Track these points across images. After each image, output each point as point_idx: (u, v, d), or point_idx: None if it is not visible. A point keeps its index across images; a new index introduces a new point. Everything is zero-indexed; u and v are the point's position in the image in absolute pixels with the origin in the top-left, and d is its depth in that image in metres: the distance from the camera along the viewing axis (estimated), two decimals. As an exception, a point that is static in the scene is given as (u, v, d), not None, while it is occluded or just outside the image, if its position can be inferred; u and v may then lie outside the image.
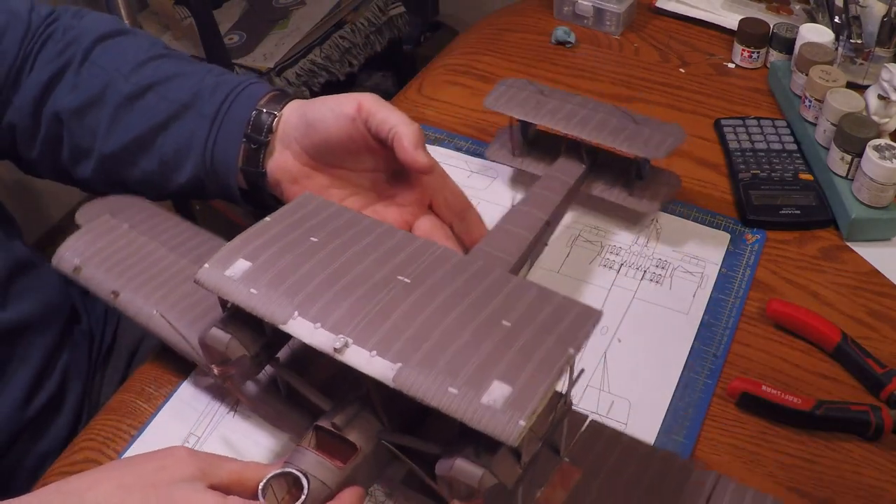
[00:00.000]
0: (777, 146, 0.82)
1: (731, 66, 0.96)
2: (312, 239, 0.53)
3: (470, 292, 0.49)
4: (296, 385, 0.53)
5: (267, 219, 0.54)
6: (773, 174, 0.79)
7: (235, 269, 0.50)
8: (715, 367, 0.63)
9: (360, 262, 0.51)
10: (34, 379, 0.71)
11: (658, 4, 1.04)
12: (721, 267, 0.71)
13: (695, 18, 1.02)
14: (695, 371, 0.63)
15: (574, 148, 0.73)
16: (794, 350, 0.65)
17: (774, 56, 0.93)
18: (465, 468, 0.44)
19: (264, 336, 0.52)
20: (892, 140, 0.73)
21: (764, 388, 0.60)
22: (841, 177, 0.75)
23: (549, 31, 1.00)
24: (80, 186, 0.76)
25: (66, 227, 0.65)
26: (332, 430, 0.48)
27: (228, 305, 0.52)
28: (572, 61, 0.97)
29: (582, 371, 0.50)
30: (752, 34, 0.93)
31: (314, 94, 1.71)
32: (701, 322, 0.67)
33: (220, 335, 0.51)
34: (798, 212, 0.75)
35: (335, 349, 0.46)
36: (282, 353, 0.55)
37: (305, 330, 0.47)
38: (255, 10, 1.79)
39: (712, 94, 0.92)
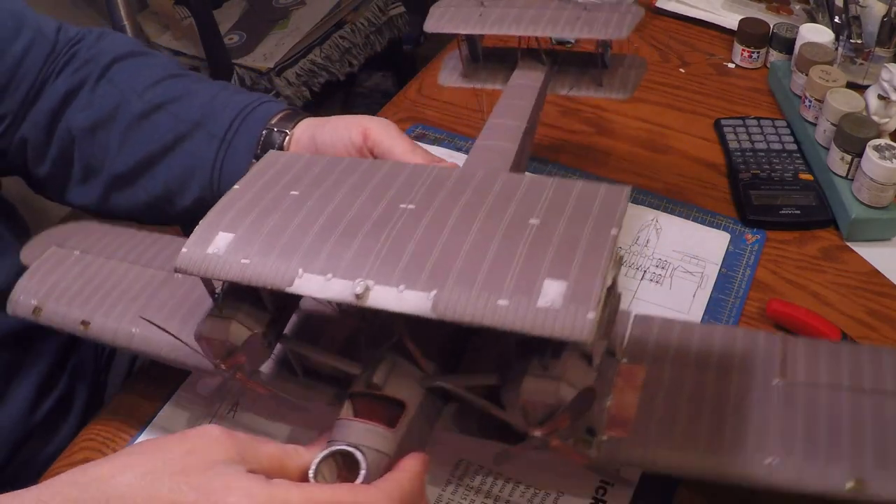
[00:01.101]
0: (777, 146, 0.82)
1: (731, 66, 0.96)
2: (293, 193, 0.48)
3: (483, 201, 0.44)
4: (314, 357, 0.49)
5: (235, 187, 0.49)
6: (773, 174, 0.79)
7: (218, 245, 0.44)
8: (715, 367, 0.63)
9: (354, 203, 0.46)
10: (43, 382, 0.70)
11: (658, 4, 1.04)
12: (721, 267, 0.71)
13: (695, 18, 1.02)
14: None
15: (530, 54, 0.69)
16: (794, 350, 0.65)
17: (774, 56, 0.93)
18: (537, 386, 0.39)
19: (267, 312, 0.47)
20: (892, 140, 0.73)
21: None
22: (841, 177, 0.75)
23: (549, 31, 1.00)
24: (87, 209, 0.75)
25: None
26: (371, 392, 0.43)
27: (219, 289, 0.47)
28: (572, 61, 0.97)
29: (622, 258, 0.47)
30: (752, 34, 0.93)
31: (314, 94, 1.71)
32: (701, 322, 0.67)
33: (220, 323, 0.46)
34: (798, 212, 0.75)
35: (356, 296, 0.40)
36: (288, 329, 0.51)
37: (317, 285, 0.41)
38: (255, 10, 1.79)
39: (712, 94, 0.92)
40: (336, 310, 0.54)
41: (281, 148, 0.65)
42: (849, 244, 0.74)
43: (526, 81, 0.67)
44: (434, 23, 0.69)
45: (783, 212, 0.75)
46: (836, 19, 0.89)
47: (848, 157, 0.74)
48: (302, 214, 0.46)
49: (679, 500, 0.54)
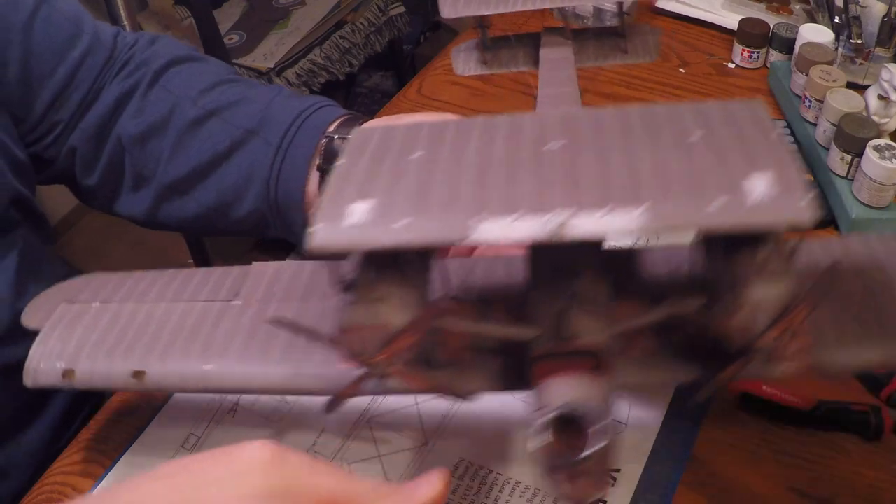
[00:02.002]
0: (777, 146, 0.82)
1: (731, 66, 0.96)
2: (417, 154, 0.41)
3: (630, 128, 0.40)
4: (480, 329, 0.43)
5: (340, 162, 0.41)
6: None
7: (356, 215, 0.37)
8: (715, 367, 0.63)
9: (492, 152, 0.40)
10: (71, 403, 0.69)
11: (658, 4, 1.04)
12: (721, 267, 0.71)
13: (695, 18, 1.02)
14: (695, 371, 0.63)
15: (556, 31, 0.66)
16: (794, 350, 0.65)
17: (774, 56, 0.93)
18: (767, 286, 0.36)
19: (415, 288, 0.40)
20: (892, 140, 0.73)
21: (764, 387, 0.60)
22: (841, 177, 0.75)
23: (549, 31, 1.00)
24: (136, 220, 0.73)
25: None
26: (558, 350, 0.38)
27: (349, 278, 0.40)
28: (572, 61, 0.97)
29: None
30: (752, 34, 0.93)
31: (314, 94, 1.71)
32: (701, 322, 0.66)
33: (371, 308, 0.38)
34: (798, 212, 0.75)
35: (554, 229, 0.34)
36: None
37: (501, 228, 0.35)
38: (255, 10, 1.79)
39: (712, 94, 0.92)
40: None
41: None
42: (849, 244, 0.74)
43: (558, 55, 0.64)
44: (450, 8, 0.64)
45: (783, 212, 0.75)
46: (836, 19, 0.89)
47: (848, 157, 0.74)
48: (442, 169, 0.39)
49: (679, 500, 0.54)
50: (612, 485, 0.55)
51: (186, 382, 0.49)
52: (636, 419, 0.59)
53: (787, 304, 0.36)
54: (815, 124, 0.80)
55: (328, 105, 0.66)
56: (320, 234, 0.36)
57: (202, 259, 1.35)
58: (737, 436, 0.59)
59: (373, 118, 0.65)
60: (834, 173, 0.76)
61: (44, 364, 0.50)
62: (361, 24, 1.79)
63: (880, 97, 0.79)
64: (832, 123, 0.76)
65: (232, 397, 0.61)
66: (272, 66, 1.64)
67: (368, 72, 1.95)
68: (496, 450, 0.57)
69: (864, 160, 0.71)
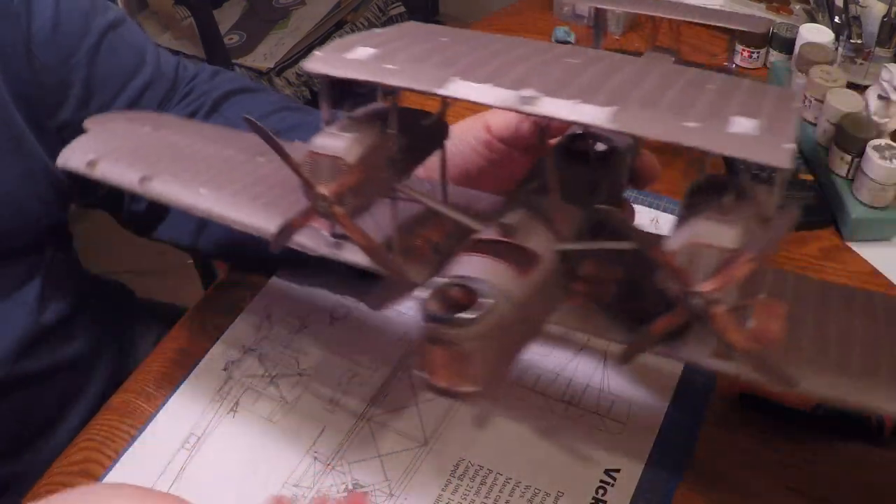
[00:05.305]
0: (777, 146, 0.82)
1: (731, 66, 0.96)
2: (442, 39, 0.42)
3: (652, 70, 0.40)
4: (435, 206, 0.43)
5: (374, 30, 0.44)
6: (773, 174, 0.79)
7: (357, 53, 0.39)
8: (715, 367, 0.63)
9: (513, 52, 0.41)
10: (97, 405, 0.70)
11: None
12: (721, 267, 0.71)
13: (695, 18, 1.02)
14: (694, 371, 0.63)
15: (663, 51, 0.65)
16: (794, 350, 0.65)
17: (774, 56, 0.93)
18: (711, 229, 0.34)
19: (390, 146, 0.41)
20: (892, 140, 0.73)
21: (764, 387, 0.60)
22: (841, 177, 0.75)
23: (549, 31, 1.00)
24: (180, 244, 0.75)
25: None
26: (500, 238, 0.38)
27: (330, 113, 0.42)
28: (572, 61, 0.97)
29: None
30: (752, 34, 0.93)
31: (314, 94, 1.71)
32: (701, 322, 0.66)
33: (338, 138, 0.40)
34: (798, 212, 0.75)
35: (523, 99, 0.35)
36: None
37: (475, 90, 0.36)
38: (255, 10, 1.79)
39: (712, 94, 0.92)
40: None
41: None
42: (849, 244, 0.74)
43: (660, 53, 0.64)
44: None
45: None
46: (836, 19, 0.89)
47: (848, 157, 0.74)
48: (455, 48, 0.41)
49: (679, 501, 0.54)
50: (612, 485, 0.55)
51: (180, 198, 0.50)
52: (636, 419, 0.59)
53: (730, 254, 0.34)
54: (815, 124, 0.80)
55: None
56: (317, 59, 0.39)
57: (202, 259, 1.36)
58: (737, 436, 0.59)
59: None
60: (834, 173, 0.76)
61: (78, 152, 0.55)
62: (361, 24, 1.79)
63: (880, 97, 0.79)
64: (832, 123, 0.76)
65: (232, 398, 0.61)
66: (272, 66, 1.64)
67: (368, 72, 1.95)
68: (496, 450, 0.57)
69: (864, 160, 0.71)
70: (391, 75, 0.38)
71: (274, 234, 0.43)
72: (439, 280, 0.35)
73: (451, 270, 0.36)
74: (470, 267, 0.36)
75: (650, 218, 0.75)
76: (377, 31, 0.43)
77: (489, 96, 0.35)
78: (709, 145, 0.33)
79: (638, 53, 0.69)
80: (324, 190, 0.39)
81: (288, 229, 0.42)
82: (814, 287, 0.45)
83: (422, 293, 0.35)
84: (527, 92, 0.35)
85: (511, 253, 0.37)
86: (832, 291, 0.45)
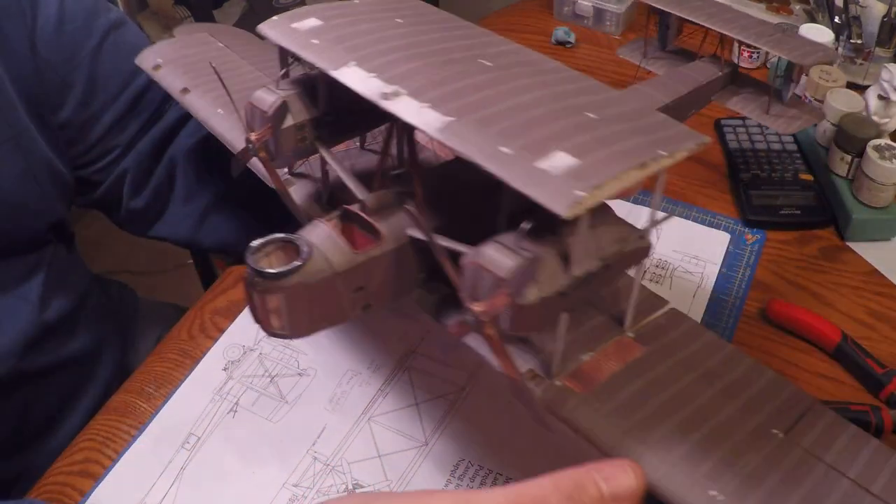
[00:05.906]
0: (777, 146, 0.82)
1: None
2: (398, 20, 0.48)
3: (558, 85, 0.43)
4: (332, 163, 0.49)
5: (352, 2, 0.51)
6: (773, 174, 0.79)
7: (304, 24, 0.46)
8: (715, 367, 0.63)
9: (443, 43, 0.46)
10: (99, 404, 0.71)
11: (658, 5, 1.03)
12: (721, 267, 0.71)
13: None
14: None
15: (713, 60, 0.69)
16: (794, 350, 0.65)
17: (774, 56, 0.93)
18: (493, 254, 0.36)
19: (315, 111, 0.48)
20: (892, 140, 0.73)
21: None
22: (841, 177, 0.75)
23: (550, 31, 1.00)
24: (178, 239, 0.76)
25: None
26: (359, 213, 0.43)
27: (283, 71, 0.49)
28: (572, 61, 0.97)
29: (669, 217, 0.45)
30: (752, 34, 0.93)
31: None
32: (701, 322, 0.66)
33: (268, 94, 0.47)
34: (798, 212, 0.75)
35: (384, 94, 0.40)
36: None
37: (357, 77, 0.41)
38: (255, 10, 1.79)
39: (712, 94, 0.91)
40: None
41: None
42: (849, 244, 0.74)
43: (694, 73, 0.67)
44: None
45: (783, 212, 0.75)
46: (836, 19, 0.89)
47: (848, 157, 0.74)
48: (390, 33, 0.46)
49: None
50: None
51: (200, 114, 0.60)
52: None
53: (498, 282, 0.36)
54: (815, 124, 0.80)
55: None
56: (270, 23, 0.46)
57: (202, 258, 1.36)
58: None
59: None
60: (834, 173, 0.76)
61: (151, 55, 0.64)
62: (361, 24, 1.80)
63: (880, 97, 0.79)
64: (832, 123, 0.76)
65: (232, 398, 0.61)
66: (272, 66, 1.64)
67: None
68: (496, 450, 0.57)
69: (864, 160, 0.71)
70: (306, 49, 0.44)
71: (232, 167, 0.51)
72: (271, 236, 0.40)
73: (301, 231, 0.41)
74: (313, 230, 0.41)
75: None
76: (354, 3, 0.50)
77: (361, 86, 0.41)
78: (501, 173, 0.35)
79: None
80: (252, 137, 0.47)
81: (237, 161, 0.50)
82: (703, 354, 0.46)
83: (254, 243, 0.40)
84: (390, 88, 0.40)
85: (363, 227, 0.43)
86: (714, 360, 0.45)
